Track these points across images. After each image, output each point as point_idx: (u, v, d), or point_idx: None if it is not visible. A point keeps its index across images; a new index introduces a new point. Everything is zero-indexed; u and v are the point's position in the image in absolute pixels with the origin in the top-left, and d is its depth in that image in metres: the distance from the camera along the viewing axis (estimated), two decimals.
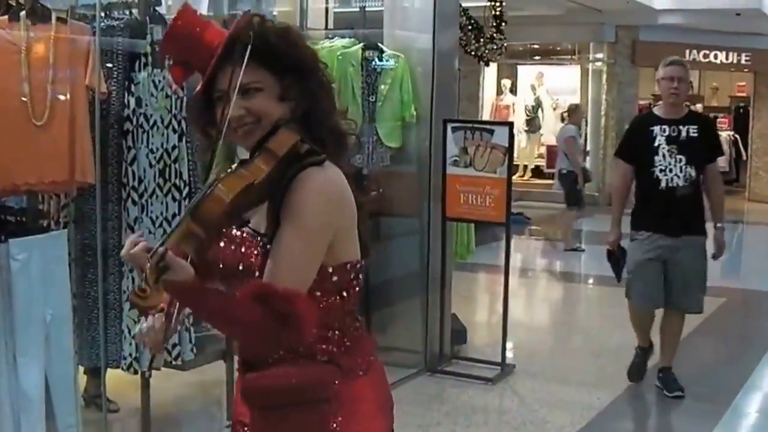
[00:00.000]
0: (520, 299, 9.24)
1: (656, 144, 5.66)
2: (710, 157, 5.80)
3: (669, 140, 5.66)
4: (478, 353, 6.70)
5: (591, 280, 10.60)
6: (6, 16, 4.14)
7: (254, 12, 2.16)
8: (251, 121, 2.05)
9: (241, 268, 2.07)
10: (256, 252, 2.06)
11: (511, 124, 6.67)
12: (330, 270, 2.08)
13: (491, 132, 6.12)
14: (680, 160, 5.62)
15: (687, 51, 17.56)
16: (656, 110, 5.99)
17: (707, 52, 17.72)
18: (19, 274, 4.06)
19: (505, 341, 6.28)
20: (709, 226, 5.90)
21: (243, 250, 2.09)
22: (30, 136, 4.17)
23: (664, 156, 5.64)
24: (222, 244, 2.10)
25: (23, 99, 4.13)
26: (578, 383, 6.22)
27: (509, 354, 6.46)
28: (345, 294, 2.12)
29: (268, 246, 2.03)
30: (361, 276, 2.17)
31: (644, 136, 5.74)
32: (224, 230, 2.04)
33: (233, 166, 2.01)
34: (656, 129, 5.71)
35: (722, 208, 5.98)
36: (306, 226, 2.01)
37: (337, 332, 2.13)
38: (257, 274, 2.04)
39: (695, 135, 5.69)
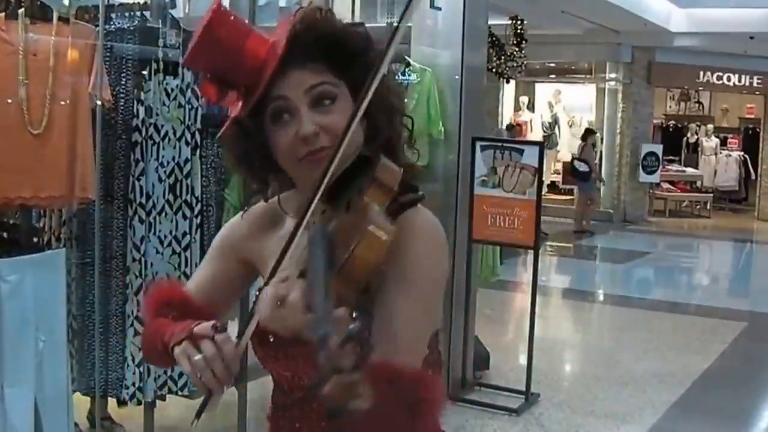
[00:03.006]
0: (540, 320, 8.57)
1: None
2: None
3: None
4: (501, 378, 6.07)
5: (611, 300, 9.93)
6: (3, 14, 3.51)
7: (315, 4, 1.46)
8: (324, 144, 1.40)
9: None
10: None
11: (542, 144, 6.02)
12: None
13: (521, 152, 5.48)
14: None
15: (701, 73, 17.02)
16: None
17: (720, 74, 17.11)
18: (10, 297, 3.46)
19: (530, 371, 5.63)
20: None
21: None
22: (26, 146, 3.55)
23: None
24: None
25: (19, 105, 3.52)
26: (605, 415, 5.56)
27: (533, 381, 5.80)
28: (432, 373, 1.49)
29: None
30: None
31: None
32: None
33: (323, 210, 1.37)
34: None
35: None
36: (423, 284, 1.40)
37: None
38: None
39: None
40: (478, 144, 5.49)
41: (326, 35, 1.42)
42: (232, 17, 1.42)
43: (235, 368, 1.34)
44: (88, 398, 4.37)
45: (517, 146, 5.60)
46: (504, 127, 15.05)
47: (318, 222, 1.34)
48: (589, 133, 14.76)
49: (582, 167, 14.13)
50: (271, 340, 1.47)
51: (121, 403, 4.38)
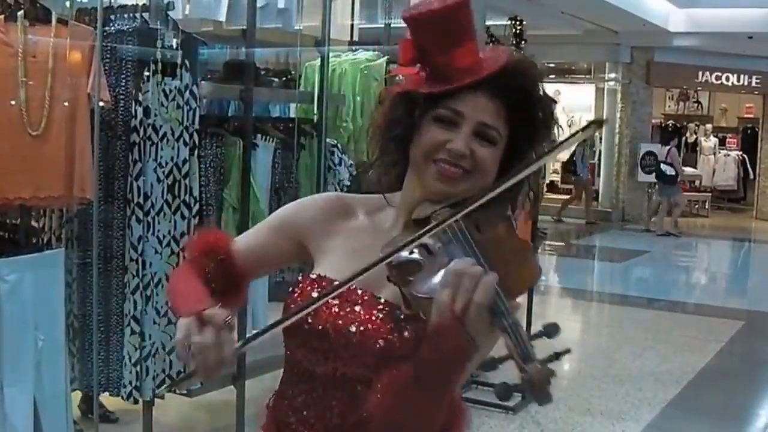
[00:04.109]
0: (537, 319, 8.57)
1: None
2: None
3: None
4: (498, 376, 6.06)
5: (609, 299, 9.94)
6: (2, 16, 3.51)
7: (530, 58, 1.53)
8: (465, 167, 1.45)
9: (379, 345, 1.45)
10: (402, 332, 1.45)
11: None
12: None
13: None
14: None
15: (700, 73, 17.02)
16: None
17: (719, 74, 17.12)
18: (9, 297, 3.47)
19: None
20: None
21: (381, 324, 1.46)
22: (25, 147, 3.55)
23: None
24: (334, 303, 1.50)
25: (19, 106, 3.52)
26: (602, 413, 5.57)
27: None
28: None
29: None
30: None
31: None
32: None
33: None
34: None
35: None
36: None
37: None
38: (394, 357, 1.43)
39: None
40: None
41: (527, 93, 1.48)
42: (471, 15, 1.47)
43: (226, 368, 1.35)
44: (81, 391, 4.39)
45: None
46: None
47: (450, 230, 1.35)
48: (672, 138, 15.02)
49: (669, 171, 14.47)
50: (306, 328, 1.49)
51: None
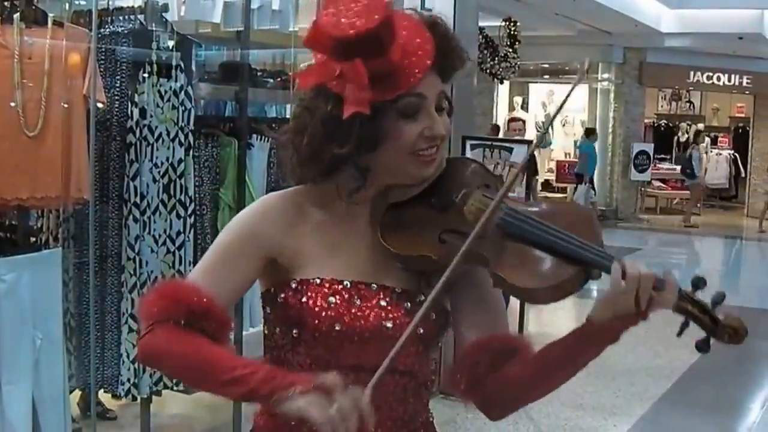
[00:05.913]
0: (531, 315, 8.58)
1: None
2: None
3: None
4: None
5: (595, 295, 9.94)
6: None
7: (433, 12, 1.54)
8: (438, 143, 1.47)
9: (419, 332, 1.44)
10: (429, 314, 1.44)
11: (529, 142, 6.03)
12: None
13: (510, 150, 5.50)
14: None
15: (691, 73, 17.03)
16: None
17: (710, 74, 17.14)
18: (7, 296, 3.47)
19: None
20: None
21: (394, 313, 1.46)
22: (22, 148, 3.55)
23: None
24: (356, 304, 1.45)
25: (15, 108, 3.52)
26: (593, 409, 5.58)
27: None
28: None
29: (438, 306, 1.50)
30: None
31: None
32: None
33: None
34: None
35: None
36: None
37: None
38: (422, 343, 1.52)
39: None
40: (468, 143, 5.50)
41: (453, 49, 1.50)
42: (393, 15, 1.41)
43: (369, 419, 1.29)
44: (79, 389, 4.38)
45: (506, 145, 5.61)
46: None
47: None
48: None
49: None
50: (337, 329, 1.43)
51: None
